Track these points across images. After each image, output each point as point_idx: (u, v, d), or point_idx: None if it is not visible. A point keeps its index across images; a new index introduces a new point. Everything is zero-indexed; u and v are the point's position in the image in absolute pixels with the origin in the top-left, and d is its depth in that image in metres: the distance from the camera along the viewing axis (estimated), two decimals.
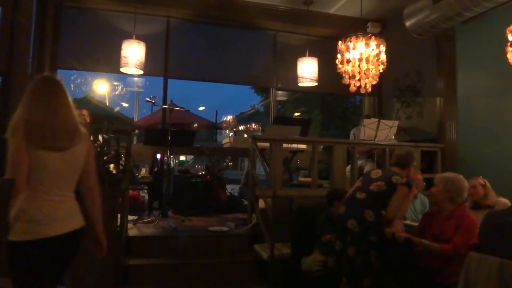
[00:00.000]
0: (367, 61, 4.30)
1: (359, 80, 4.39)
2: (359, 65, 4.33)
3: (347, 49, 4.40)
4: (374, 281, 2.80)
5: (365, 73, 4.34)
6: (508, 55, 3.45)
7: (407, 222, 3.51)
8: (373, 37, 4.33)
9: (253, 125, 6.69)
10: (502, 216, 2.29)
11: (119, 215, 3.58)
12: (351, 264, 2.83)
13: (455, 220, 2.70)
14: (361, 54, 4.32)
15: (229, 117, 7.19)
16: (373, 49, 4.30)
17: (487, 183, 3.46)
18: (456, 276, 2.30)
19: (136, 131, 8.70)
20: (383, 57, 4.37)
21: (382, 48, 4.38)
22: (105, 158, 3.29)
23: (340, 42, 4.49)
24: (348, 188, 3.66)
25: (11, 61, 4.36)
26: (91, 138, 3.39)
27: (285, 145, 4.68)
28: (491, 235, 2.22)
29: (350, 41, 4.38)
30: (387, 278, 2.85)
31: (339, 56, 4.50)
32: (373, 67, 4.32)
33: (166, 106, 5.43)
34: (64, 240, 1.84)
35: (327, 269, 3.10)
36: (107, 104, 11.98)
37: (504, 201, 3.33)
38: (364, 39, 4.32)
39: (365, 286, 2.79)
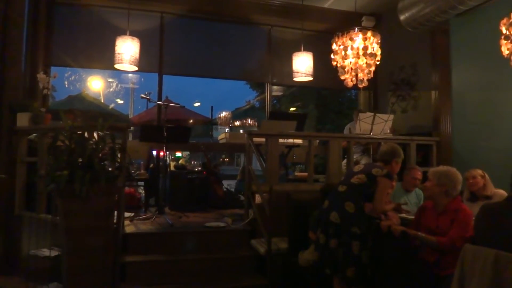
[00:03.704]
0: (358, 56, 4.33)
1: (355, 74, 4.42)
2: (348, 59, 4.37)
3: (341, 44, 4.43)
4: (360, 272, 2.83)
5: (359, 68, 4.37)
6: (502, 48, 3.46)
7: (403, 215, 3.54)
8: (364, 31, 4.36)
9: (249, 120, 6.69)
10: (497, 208, 2.30)
11: (115, 212, 3.58)
12: (333, 256, 2.87)
13: (450, 214, 2.72)
14: (353, 49, 4.35)
15: (225, 113, 7.19)
16: (364, 43, 4.33)
17: (486, 175, 3.49)
18: (452, 268, 2.32)
19: (132, 128, 8.67)
20: (376, 50, 4.38)
21: (375, 41, 4.40)
22: (100, 155, 3.27)
23: (333, 38, 4.52)
24: None
25: (3, 58, 4.32)
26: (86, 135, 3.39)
27: (281, 140, 4.68)
28: (486, 227, 2.24)
29: (343, 37, 4.41)
30: (384, 271, 2.88)
31: (333, 52, 4.52)
32: (364, 61, 4.34)
33: (161, 103, 5.42)
34: None
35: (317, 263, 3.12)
36: (102, 101, 11.89)
37: (502, 192, 3.36)
38: (355, 33, 4.35)
39: (349, 277, 2.83)
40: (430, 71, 5.39)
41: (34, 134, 4.32)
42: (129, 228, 4.04)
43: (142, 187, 5.70)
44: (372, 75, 4.51)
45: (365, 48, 4.34)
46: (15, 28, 4.42)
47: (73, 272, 3.17)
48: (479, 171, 3.48)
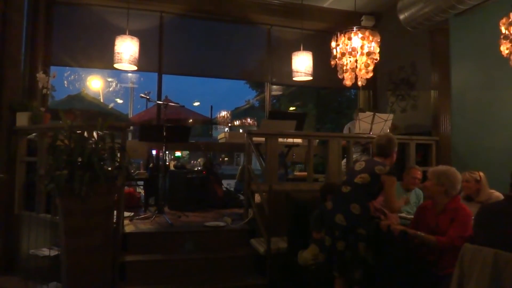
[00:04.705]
0: (354, 55, 4.34)
1: (355, 74, 4.43)
2: (347, 58, 4.38)
3: (340, 43, 4.44)
4: (365, 273, 2.83)
5: (358, 67, 4.38)
6: (502, 48, 3.46)
7: (403, 215, 3.55)
8: (363, 30, 4.37)
9: (249, 120, 6.70)
10: (496, 207, 2.31)
11: (115, 212, 3.58)
12: (340, 258, 2.87)
13: (450, 213, 2.73)
14: (353, 48, 4.36)
15: (224, 112, 7.19)
16: (363, 43, 4.34)
17: (483, 179, 3.44)
18: (451, 267, 2.32)
19: (131, 127, 8.65)
20: (375, 49, 4.39)
21: (374, 40, 4.41)
22: (100, 154, 3.27)
23: (332, 38, 4.53)
24: None
25: (2, 58, 4.32)
26: (86, 134, 3.39)
27: (280, 139, 4.68)
28: (485, 227, 2.24)
29: (342, 36, 4.42)
30: (383, 271, 2.88)
31: (332, 51, 4.54)
32: (363, 61, 4.35)
33: (161, 102, 5.42)
34: None
35: (320, 263, 3.13)
36: (101, 100, 11.86)
37: (498, 194, 3.36)
38: (354, 33, 4.36)
39: (356, 279, 2.83)
40: (429, 70, 5.39)
41: (34, 134, 4.32)
42: (128, 227, 4.04)
43: (141, 187, 5.70)
44: (371, 74, 4.52)
45: (364, 47, 4.34)
46: (14, 28, 4.42)
47: (73, 272, 3.17)
48: (475, 175, 3.43)
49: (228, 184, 6.36)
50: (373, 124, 4.76)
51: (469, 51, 4.95)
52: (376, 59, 4.45)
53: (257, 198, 4.25)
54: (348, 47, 4.40)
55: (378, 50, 4.44)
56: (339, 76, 4.59)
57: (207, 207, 5.37)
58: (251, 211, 4.25)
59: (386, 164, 3.04)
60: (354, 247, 2.83)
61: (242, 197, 5.40)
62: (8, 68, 4.33)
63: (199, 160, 8.72)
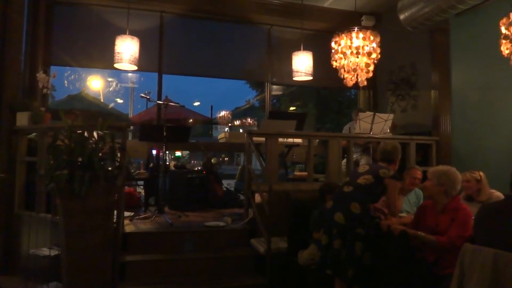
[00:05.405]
0: (357, 55, 4.34)
1: (355, 74, 4.44)
2: (347, 59, 4.39)
3: (340, 43, 4.45)
4: (364, 273, 2.83)
5: (358, 67, 4.38)
6: (502, 48, 3.46)
7: (403, 214, 3.54)
8: (363, 30, 4.38)
9: (249, 119, 6.71)
10: (496, 207, 2.31)
11: (115, 212, 3.58)
12: (336, 256, 2.86)
13: (450, 213, 2.73)
14: (353, 48, 4.37)
15: (224, 112, 7.20)
16: (364, 42, 4.35)
17: (483, 179, 3.44)
18: (451, 267, 2.32)
19: (131, 127, 8.66)
20: (376, 49, 4.40)
21: (375, 40, 4.41)
22: (100, 154, 3.27)
23: (333, 38, 4.54)
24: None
25: (3, 57, 4.32)
26: (86, 134, 3.39)
27: (280, 139, 4.68)
28: (485, 227, 2.24)
29: (342, 36, 4.43)
30: (383, 271, 2.88)
31: (332, 51, 4.54)
32: (364, 61, 4.35)
33: (161, 102, 5.42)
34: None
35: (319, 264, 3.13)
36: (102, 100, 11.87)
37: (498, 194, 3.36)
38: (355, 33, 4.37)
39: (349, 277, 2.83)
40: (429, 70, 5.39)
41: (34, 134, 4.32)
42: (128, 227, 4.04)
43: (141, 187, 5.70)
44: (371, 74, 4.52)
45: (365, 47, 4.35)
46: (14, 27, 4.42)
47: (73, 272, 3.18)
48: (475, 175, 3.43)
49: (228, 184, 6.36)
50: (373, 124, 4.76)
51: (470, 51, 4.95)
52: (377, 59, 4.45)
53: (257, 198, 4.25)
54: (348, 47, 4.40)
55: (378, 50, 4.44)
56: (340, 76, 4.60)
57: (207, 207, 5.37)
58: (251, 211, 4.25)
59: (390, 169, 3.09)
60: (350, 246, 2.83)
61: (242, 197, 5.40)
62: (8, 67, 4.33)
63: (212, 160, 8.79)
